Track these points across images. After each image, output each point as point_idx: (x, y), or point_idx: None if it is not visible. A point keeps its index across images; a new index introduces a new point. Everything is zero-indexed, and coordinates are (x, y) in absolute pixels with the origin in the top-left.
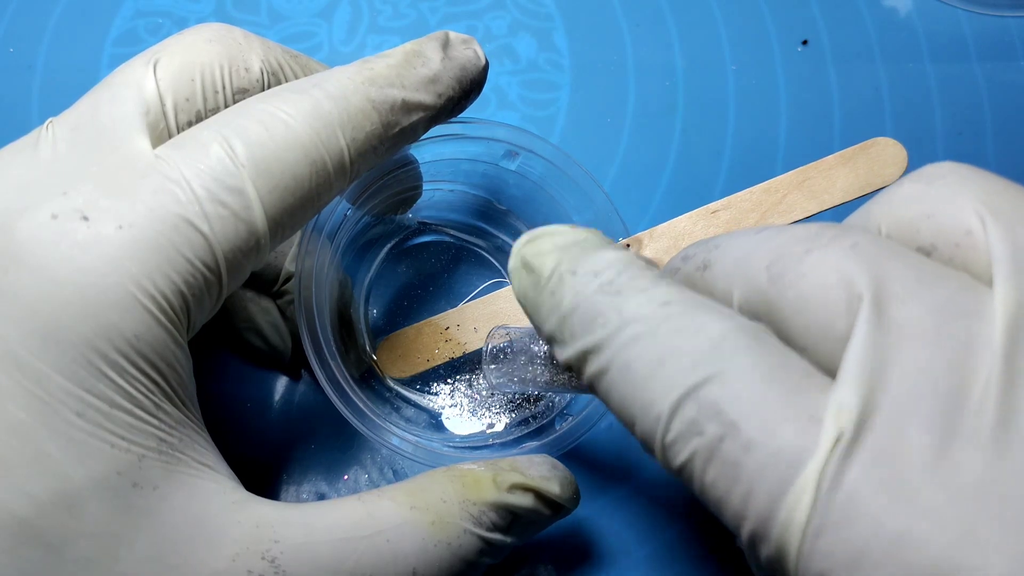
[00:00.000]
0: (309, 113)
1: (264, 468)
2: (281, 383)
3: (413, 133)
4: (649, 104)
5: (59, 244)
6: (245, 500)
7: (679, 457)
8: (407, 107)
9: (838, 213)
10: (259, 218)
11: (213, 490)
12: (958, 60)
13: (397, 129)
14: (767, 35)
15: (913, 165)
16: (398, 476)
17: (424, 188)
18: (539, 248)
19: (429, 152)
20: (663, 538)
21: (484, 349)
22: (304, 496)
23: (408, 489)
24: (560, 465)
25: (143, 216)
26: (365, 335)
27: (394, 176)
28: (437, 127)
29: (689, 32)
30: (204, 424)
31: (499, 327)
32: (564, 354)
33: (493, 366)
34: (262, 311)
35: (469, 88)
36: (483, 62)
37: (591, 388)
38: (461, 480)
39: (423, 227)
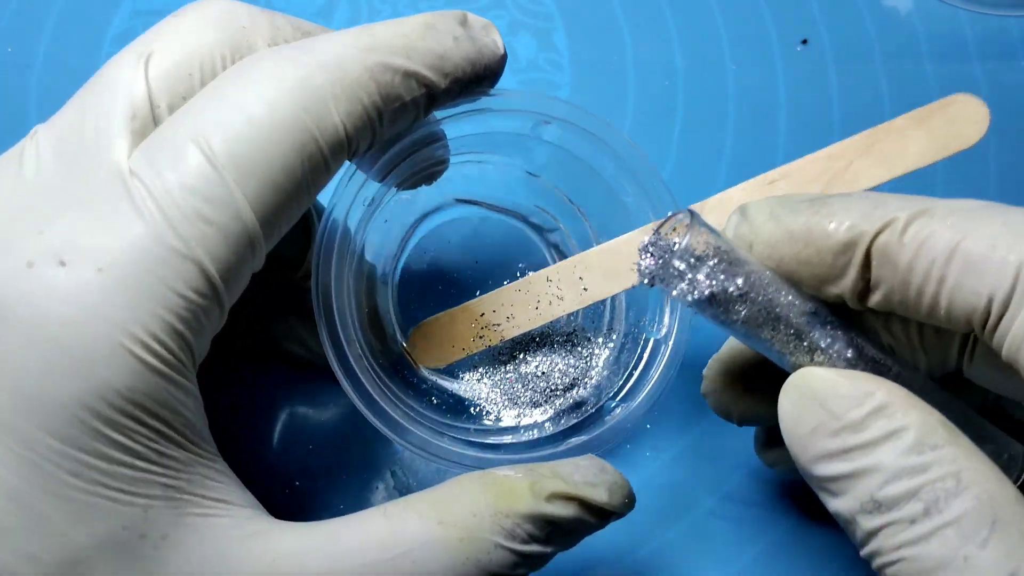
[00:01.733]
0: (296, 87)
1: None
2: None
3: (415, 111)
4: (649, 103)
5: (37, 296)
6: (264, 531)
7: None
8: (409, 80)
9: (910, 180)
10: (250, 224)
11: (227, 526)
12: (958, 60)
13: (398, 104)
14: (767, 34)
15: None
16: (396, 477)
17: (454, 161)
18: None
19: (458, 128)
20: (664, 538)
21: (674, 244)
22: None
23: (436, 500)
24: (609, 467)
25: (124, 252)
26: (395, 324)
27: (421, 154)
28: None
29: (689, 31)
30: (218, 453)
31: (683, 213)
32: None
33: (696, 266)
34: (301, 319)
35: (482, 74)
36: (501, 51)
37: None
38: (494, 489)
39: (455, 202)
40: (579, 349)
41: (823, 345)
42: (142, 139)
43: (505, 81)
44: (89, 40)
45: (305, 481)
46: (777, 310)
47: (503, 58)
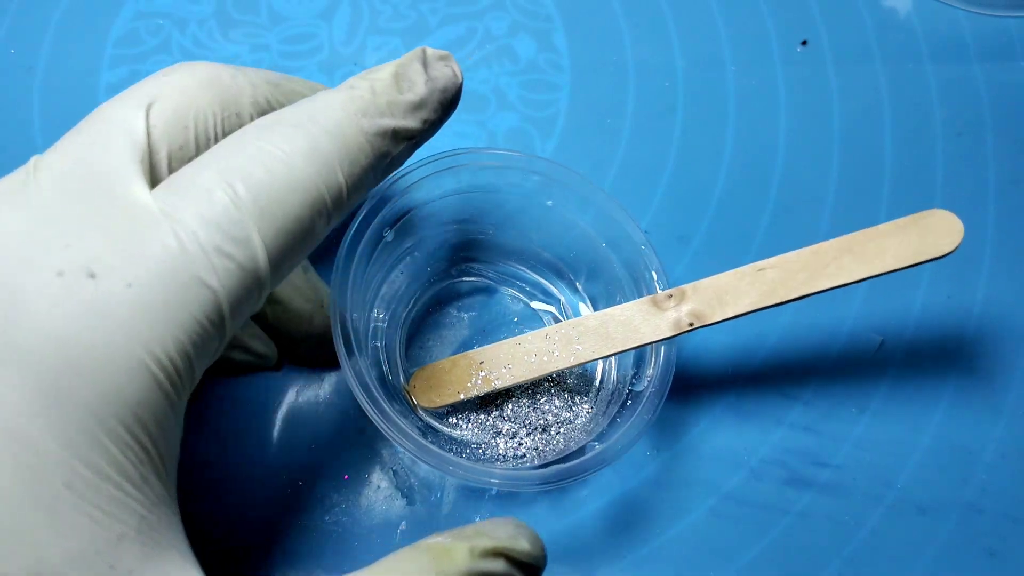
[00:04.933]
0: (308, 152)
1: (265, 472)
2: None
3: (400, 161)
4: (649, 104)
5: (66, 303)
6: None
7: None
8: (397, 136)
9: (888, 279)
10: (263, 266)
11: None
12: (958, 60)
13: (388, 160)
14: (767, 35)
15: (910, 166)
16: (398, 476)
17: (464, 229)
18: None
19: (467, 183)
20: (664, 538)
21: None
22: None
23: (376, 573)
24: (523, 523)
25: (152, 274)
26: (400, 367)
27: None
28: (473, 156)
29: (689, 32)
30: (175, 497)
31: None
32: None
33: None
34: (243, 325)
35: (449, 106)
36: (459, 80)
37: None
38: (429, 553)
39: (460, 263)
40: (565, 395)
41: None
42: (148, 181)
43: (505, 81)
44: (92, 42)
45: (307, 481)
46: None
47: (461, 86)
